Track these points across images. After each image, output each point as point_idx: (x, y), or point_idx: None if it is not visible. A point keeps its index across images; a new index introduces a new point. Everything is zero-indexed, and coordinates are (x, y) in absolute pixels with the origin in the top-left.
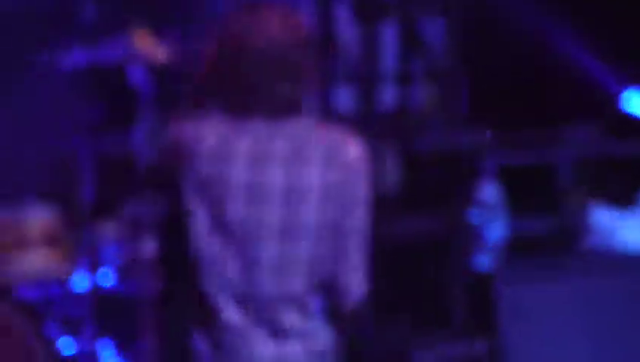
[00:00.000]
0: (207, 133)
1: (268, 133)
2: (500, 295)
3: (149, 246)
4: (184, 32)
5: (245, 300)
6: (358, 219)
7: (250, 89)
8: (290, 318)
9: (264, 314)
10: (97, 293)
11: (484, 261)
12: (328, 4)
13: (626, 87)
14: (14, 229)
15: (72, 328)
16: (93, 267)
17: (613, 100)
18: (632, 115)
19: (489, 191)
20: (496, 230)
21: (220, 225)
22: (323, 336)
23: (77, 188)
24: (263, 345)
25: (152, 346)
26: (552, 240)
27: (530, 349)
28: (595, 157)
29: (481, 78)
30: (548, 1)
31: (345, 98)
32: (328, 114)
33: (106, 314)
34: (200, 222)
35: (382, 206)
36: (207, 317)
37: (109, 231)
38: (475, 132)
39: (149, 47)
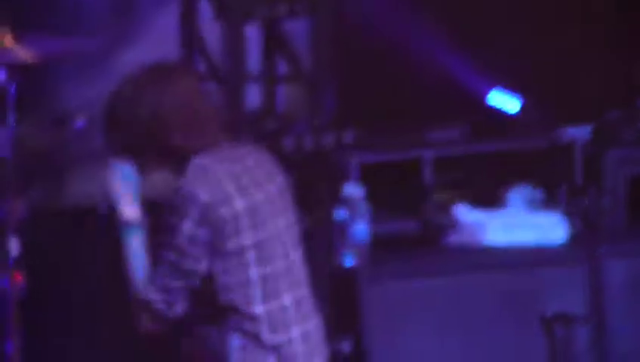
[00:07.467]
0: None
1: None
2: (365, 292)
3: (14, 246)
4: (47, 32)
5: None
6: None
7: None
8: None
9: None
10: None
11: (348, 259)
12: (192, 3)
13: (491, 86)
14: None
15: None
16: None
17: (479, 99)
18: (497, 114)
19: (353, 190)
20: (361, 228)
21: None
22: None
23: None
24: None
25: (17, 346)
26: (416, 238)
27: (395, 346)
28: (460, 155)
29: (347, 79)
30: (413, 3)
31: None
32: None
33: None
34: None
35: None
36: None
37: None
38: (339, 132)
39: (11, 46)
